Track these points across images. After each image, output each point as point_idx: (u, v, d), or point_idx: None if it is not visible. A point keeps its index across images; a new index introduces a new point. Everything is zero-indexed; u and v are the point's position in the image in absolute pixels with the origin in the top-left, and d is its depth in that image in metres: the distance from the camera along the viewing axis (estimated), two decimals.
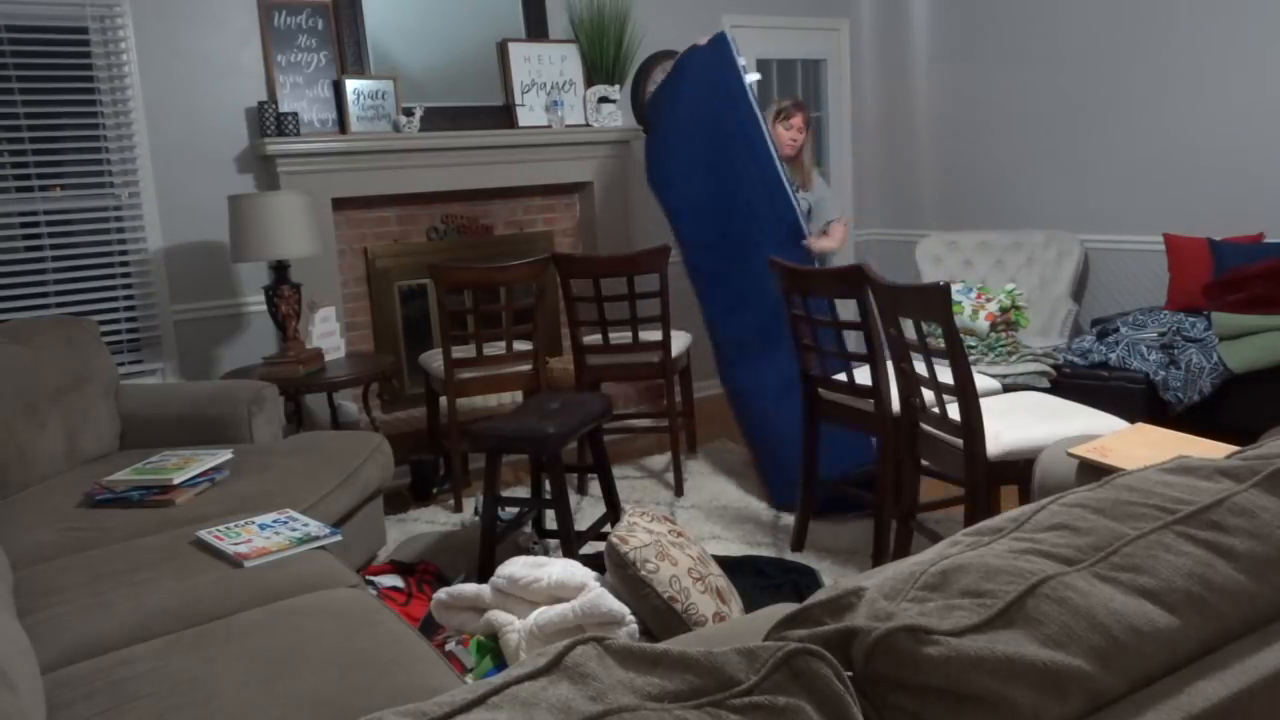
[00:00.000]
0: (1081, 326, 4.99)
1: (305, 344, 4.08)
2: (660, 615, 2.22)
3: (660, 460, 4.56)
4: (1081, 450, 2.18)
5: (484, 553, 3.15)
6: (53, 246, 3.97)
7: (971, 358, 4.16)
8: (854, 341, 3.20)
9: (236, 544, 2.34)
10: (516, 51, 4.84)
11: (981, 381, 3.05)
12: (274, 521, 2.51)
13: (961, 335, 2.78)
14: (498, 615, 2.32)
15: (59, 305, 3.99)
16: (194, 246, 4.24)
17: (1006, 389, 3.73)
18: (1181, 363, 3.98)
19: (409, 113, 4.48)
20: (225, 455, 2.92)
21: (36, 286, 3.94)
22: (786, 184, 3.94)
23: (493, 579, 2.37)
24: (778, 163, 3.93)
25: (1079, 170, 5.10)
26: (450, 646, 2.44)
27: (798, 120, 4.19)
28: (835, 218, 4.22)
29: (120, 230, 4.10)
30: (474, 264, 4.24)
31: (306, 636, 1.89)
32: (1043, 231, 5.14)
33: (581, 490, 4.21)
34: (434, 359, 4.12)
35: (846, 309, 3.18)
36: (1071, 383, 4.20)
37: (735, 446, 4.54)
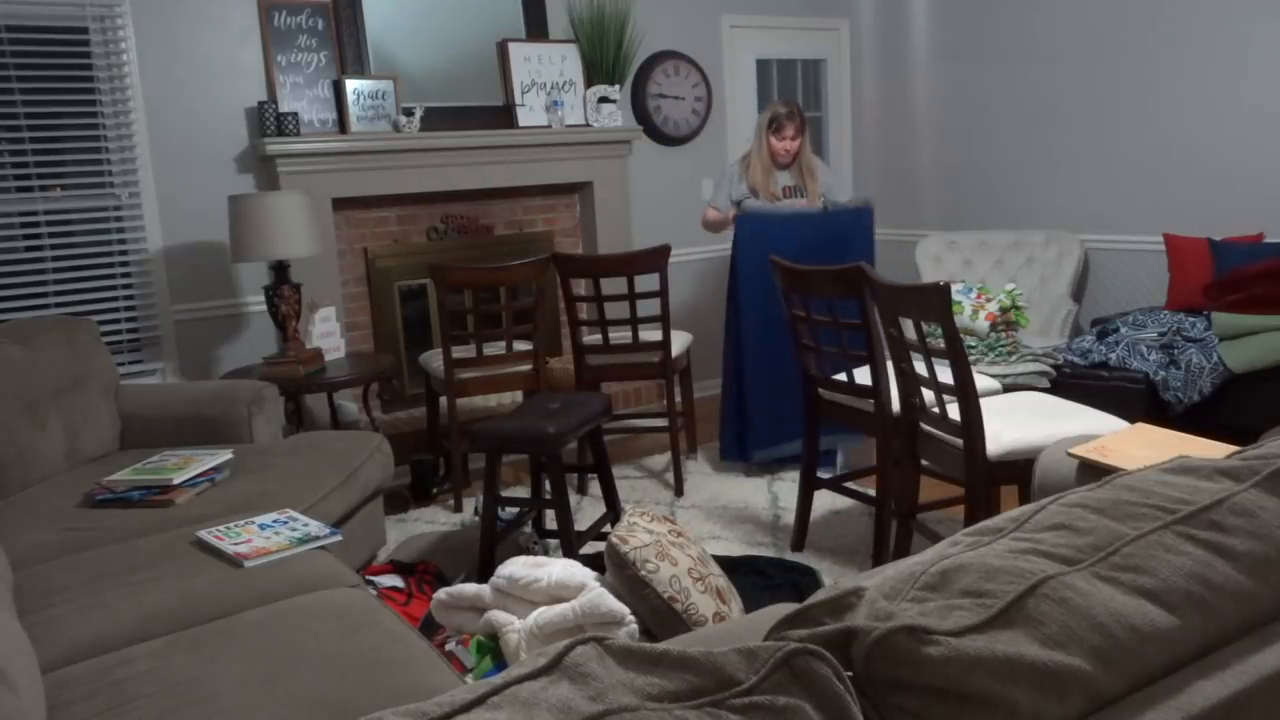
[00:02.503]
0: (1081, 326, 4.98)
1: (305, 344, 4.08)
2: (660, 615, 2.22)
3: (660, 460, 4.56)
4: (1081, 450, 2.18)
5: (484, 553, 3.15)
6: (53, 246, 3.97)
7: (971, 358, 4.16)
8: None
9: (236, 544, 2.34)
10: (516, 51, 4.84)
11: (981, 381, 3.05)
12: (274, 521, 2.51)
13: (961, 335, 2.78)
14: (498, 615, 2.32)
15: (59, 305, 3.99)
16: (194, 246, 4.24)
17: (1006, 389, 3.73)
18: (1181, 363, 3.98)
19: (409, 113, 4.47)
20: (225, 455, 2.92)
21: (36, 286, 3.94)
22: None
23: (493, 579, 2.37)
24: None
25: (1079, 170, 5.09)
26: (450, 646, 2.44)
27: (790, 130, 4.21)
28: (843, 198, 4.40)
29: (120, 230, 4.10)
30: (474, 264, 4.24)
31: (306, 636, 1.89)
32: (1043, 231, 5.14)
33: (581, 490, 4.20)
34: (434, 359, 4.12)
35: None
36: (1071, 383, 4.20)
37: None
